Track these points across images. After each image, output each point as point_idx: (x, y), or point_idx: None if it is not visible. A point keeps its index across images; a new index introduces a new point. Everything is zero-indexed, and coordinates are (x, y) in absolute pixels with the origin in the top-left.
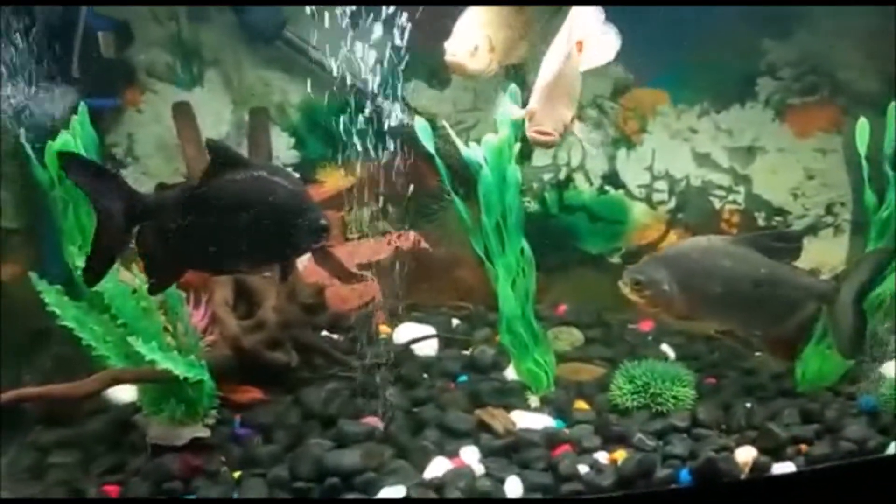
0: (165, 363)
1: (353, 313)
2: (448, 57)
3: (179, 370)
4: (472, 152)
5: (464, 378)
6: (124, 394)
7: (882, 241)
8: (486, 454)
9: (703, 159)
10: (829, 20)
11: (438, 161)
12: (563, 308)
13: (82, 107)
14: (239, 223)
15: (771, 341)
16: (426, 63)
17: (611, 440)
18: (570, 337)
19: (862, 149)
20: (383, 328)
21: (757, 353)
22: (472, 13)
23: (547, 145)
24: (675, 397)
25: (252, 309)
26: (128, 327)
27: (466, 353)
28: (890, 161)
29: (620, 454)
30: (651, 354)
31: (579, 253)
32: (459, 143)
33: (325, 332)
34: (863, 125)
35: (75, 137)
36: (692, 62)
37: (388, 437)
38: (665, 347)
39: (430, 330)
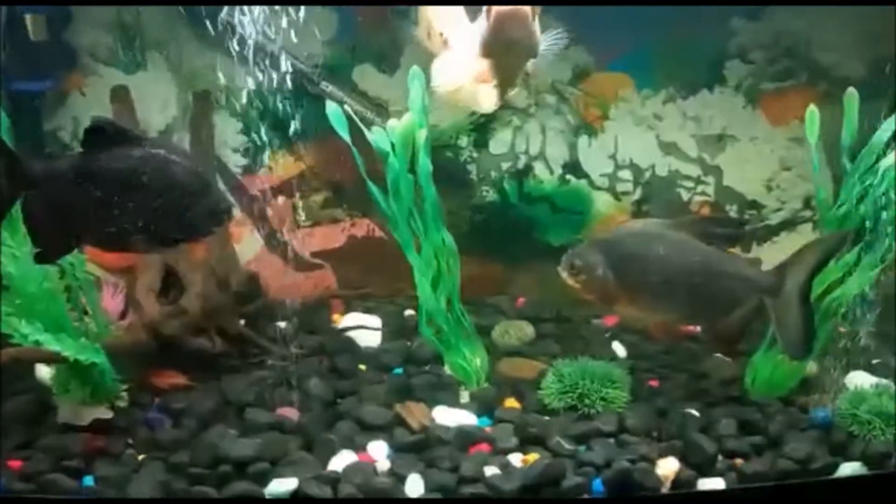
0: (53, 345)
1: (287, 302)
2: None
3: (69, 352)
4: (380, 138)
5: (398, 371)
6: (46, 373)
7: None
8: (397, 450)
9: (669, 148)
10: None
11: (353, 148)
12: (521, 301)
13: None
14: (130, 200)
15: (712, 335)
16: (375, 46)
17: (528, 442)
18: (520, 332)
19: (812, 138)
20: (336, 317)
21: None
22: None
23: None
24: (603, 399)
25: (181, 295)
26: (25, 307)
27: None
28: (847, 153)
29: (533, 457)
30: (603, 352)
31: (541, 245)
32: (364, 129)
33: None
34: (812, 113)
35: None
36: (656, 44)
37: (300, 428)
38: (616, 345)
39: (375, 320)
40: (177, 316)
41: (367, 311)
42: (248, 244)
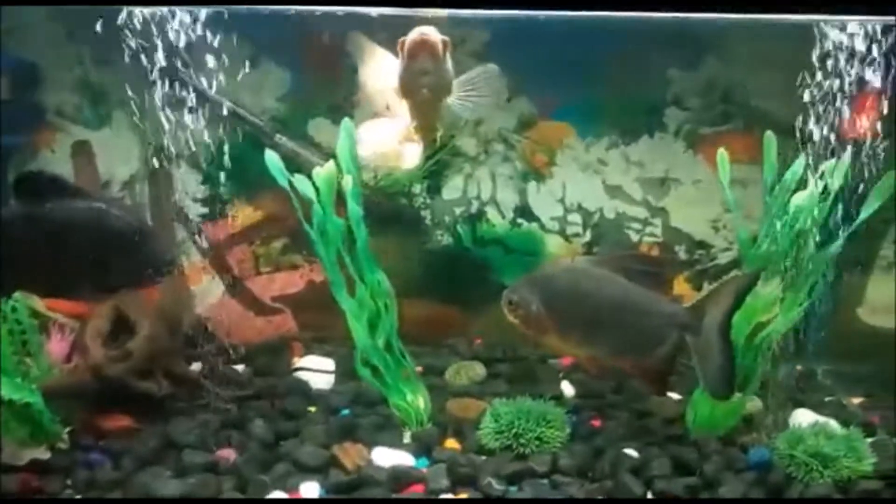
0: None
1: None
2: None
3: (2, 392)
4: (303, 185)
5: (346, 412)
6: None
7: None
8: (329, 491)
9: (615, 191)
10: (740, 47)
11: (291, 194)
12: (478, 341)
13: None
14: (67, 249)
15: (639, 371)
16: (328, 99)
17: (460, 482)
18: (471, 372)
19: (725, 179)
20: (297, 360)
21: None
22: None
23: None
24: (538, 438)
25: (131, 339)
26: None
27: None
28: (769, 192)
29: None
30: (552, 392)
31: (497, 286)
32: (287, 175)
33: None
34: (722, 156)
35: None
36: (596, 94)
37: (235, 469)
38: (565, 384)
39: (329, 363)
40: (122, 359)
41: (326, 354)
42: (209, 288)
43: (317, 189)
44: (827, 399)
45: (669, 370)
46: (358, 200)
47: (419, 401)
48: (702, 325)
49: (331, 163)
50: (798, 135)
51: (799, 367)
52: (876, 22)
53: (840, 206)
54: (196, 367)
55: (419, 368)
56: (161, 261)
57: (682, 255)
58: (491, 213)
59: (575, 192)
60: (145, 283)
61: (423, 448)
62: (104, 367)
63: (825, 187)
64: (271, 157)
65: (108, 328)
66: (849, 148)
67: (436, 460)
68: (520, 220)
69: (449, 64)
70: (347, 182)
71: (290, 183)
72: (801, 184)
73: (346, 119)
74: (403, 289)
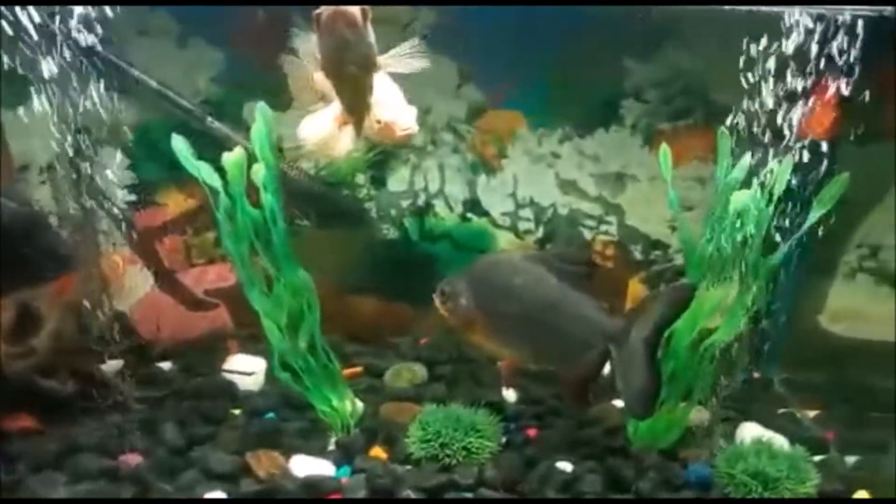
0: None
1: (160, 343)
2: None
3: None
4: (207, 173)
5: (271, 415)
6: None
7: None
8: (237, 500)
9: (568, 186)
10: (702, 38)
11: (202, 181)
12: (423, 341)
13: None
14: None
15: (561, 380)
16: (267, 82)
17: (378, 494)
18: (411, 374)
19: (667, 176)
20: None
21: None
22: None
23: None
24: (465, 449)
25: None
26: None
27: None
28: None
29: None
30: (493, 396)
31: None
32: (194, 162)
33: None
34: (664, 152)
35: None
36: (549, 83)
37: (137, 476)
38: (508, 390)
39: (260, 362)
40: (24, 356)
41: (259, 352)
42: (136, 282)
43: (224, 176)
44: (781, 411)
45: (589, 381)
46: (273, 190)
47: (346, 405)
48: (628, 338)
49: (239, 148)
50: (748, 132)
51: (756, 375)
52: (839, 13)
53: (787, 209)
54: (113, 365)
55: (359, 368)
56: (59, 255)
57: (638, 255)
58: (439, 206)
59: (527, 186)
60: (45, 280)
61: (346, 456)
62: (4, 364)
63: (770, 189)
64: (177, 142)
65: (12, 323)
66: (796, 148)
67: (357, 470)
68: (469, 215)
69: (371, 36)
70: (259, 170)
71: (199, 170)
72: (745, 183)
73: (261, 103)
74: (347, 285)
